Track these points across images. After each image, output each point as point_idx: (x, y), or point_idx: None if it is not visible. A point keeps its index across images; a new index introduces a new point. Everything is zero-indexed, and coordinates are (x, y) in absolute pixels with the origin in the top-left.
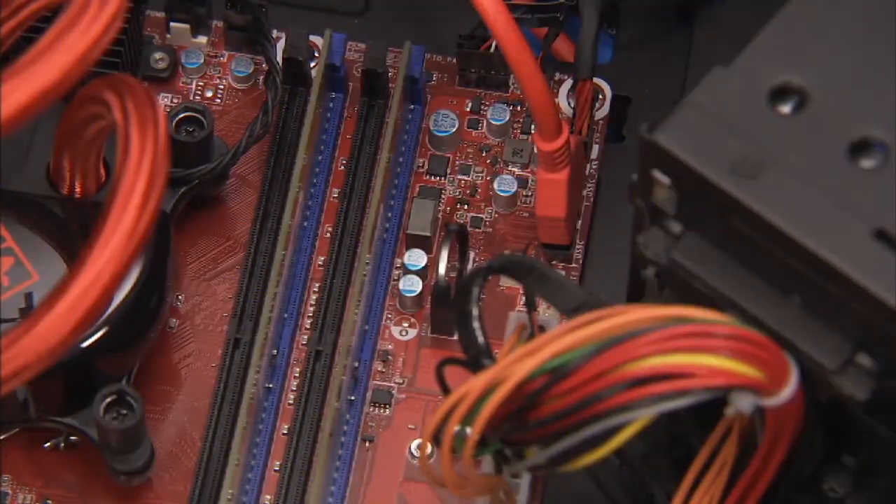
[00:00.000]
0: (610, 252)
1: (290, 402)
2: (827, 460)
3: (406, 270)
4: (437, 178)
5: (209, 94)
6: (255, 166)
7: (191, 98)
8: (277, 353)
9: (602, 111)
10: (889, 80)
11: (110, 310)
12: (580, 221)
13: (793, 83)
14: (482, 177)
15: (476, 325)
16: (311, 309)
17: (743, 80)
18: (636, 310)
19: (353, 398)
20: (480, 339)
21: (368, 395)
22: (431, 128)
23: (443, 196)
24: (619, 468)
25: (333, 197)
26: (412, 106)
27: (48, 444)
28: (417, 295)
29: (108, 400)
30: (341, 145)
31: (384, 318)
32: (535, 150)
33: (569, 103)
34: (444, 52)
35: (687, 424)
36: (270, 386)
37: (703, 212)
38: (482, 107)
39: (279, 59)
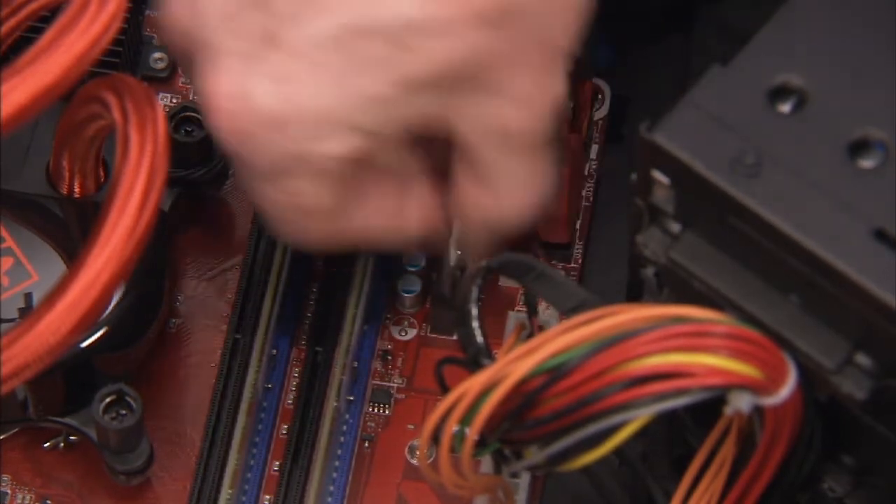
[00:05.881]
0: (609, 252)
1: (290, 402)
2: (826, 460)
3: (405, 270)
4: None
5: None
6: None
7: (190, 98)
8: (277, 352)
9: (602, 111)
10: (889, 79)
11: (110, 309)
12: (580, 221)
13: (792, 82)
14: None
15: (475, 324)
16: (311, 308)
17: (742, 80)
18: (634, 309)
19: (352, 398)
20: (479, 338)
21: (368, 394)
22: None
23: None
24: (618, 467)
25: None
26: None
27: (48, 443)
28: (417, 295)
29: (108, 400)
30: None
31: (384, 317)
32: None
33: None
34: None
35: (686, 424)
36: (270, 386)
37: (702, 211)
38: None
39: None
